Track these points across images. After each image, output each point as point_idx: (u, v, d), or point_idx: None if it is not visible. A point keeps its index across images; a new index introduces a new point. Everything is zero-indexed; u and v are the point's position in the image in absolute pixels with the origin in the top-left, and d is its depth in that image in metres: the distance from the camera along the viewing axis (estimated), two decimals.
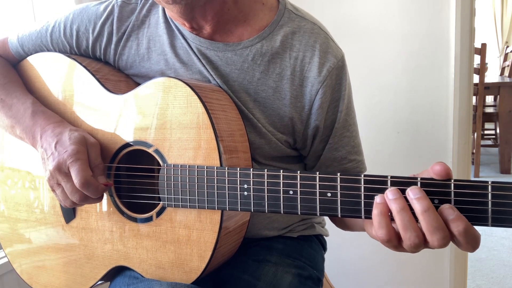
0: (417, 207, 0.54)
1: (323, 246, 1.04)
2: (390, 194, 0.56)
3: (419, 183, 0.56)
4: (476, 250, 0.55)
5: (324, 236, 1.06)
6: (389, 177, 0.58)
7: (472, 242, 0.54)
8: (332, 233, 1.08)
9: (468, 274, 1.92)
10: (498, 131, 4.28)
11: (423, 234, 0.55)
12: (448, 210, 0.54)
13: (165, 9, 0.85)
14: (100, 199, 0.77)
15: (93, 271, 0.84)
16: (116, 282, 0.82)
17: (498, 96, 4.13)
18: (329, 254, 1.09)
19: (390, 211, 0.57)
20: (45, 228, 0.89)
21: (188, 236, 0.75)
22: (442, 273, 1.75)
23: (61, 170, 0.74)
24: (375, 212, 0.58)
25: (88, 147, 0.77)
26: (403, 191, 0.56)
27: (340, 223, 0.91)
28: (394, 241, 0.57)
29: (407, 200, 0.56)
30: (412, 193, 0.55)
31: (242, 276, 0.83)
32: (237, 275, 0.84)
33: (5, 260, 1.24)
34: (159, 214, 0.77)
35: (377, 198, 0.57)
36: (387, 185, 0.58)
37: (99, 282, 0.86)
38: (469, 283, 2.06)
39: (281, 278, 0.84)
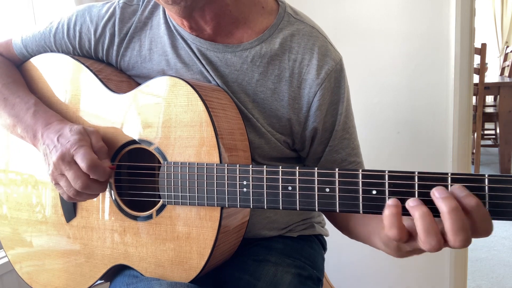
0: (443, 207, 0.53)
1: (323, 246, 1.05)
2: (412, 202, 0.56)
3: (416, 177, 0.57)
4: (489, 235, 0.54)
5: (324, 236, 1.06)
6: (386, 171, 0.58)
7: (487, 222, 0.53)
8: (332, 233, 1.08)
9: (468, 274, 1.92)
10: (498, 131, 4.28)
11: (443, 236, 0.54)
12: (460, 188, 0.54)
13: (165, 9, 0.85)
14: (104, 185, 0.77)
15: (92, 270, 0.85)
16: (116, 282, 0.82)
17: (498, 96, 4.13)
18: (329, 254, 1.09)
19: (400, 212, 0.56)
20: (45, 227, 0.89)
21: (188, 234, 0.75)
22: (442, 273, 1.75)
23: (64, 159, 0.74)
24: (386, 213, 0.56)
25: (89, 134, 0.77)
26: (410, 191, 0.57)
27: (341, 226, 0.90)
28: (406, 239, 0.56)
29: (426, 203, 0.55)
30: (438, 193, 0.54)
31: (242, 276, 0.83)
32: (237, 275, 0.84)
33: (5, 260, 1.24)
34: (159, 212, 0.77)
35: (389, 201, 0.57)
36: (385, 180, 0.58)
37: (99, 281, 0.86)
38: (469, 283, 2.06)
39: (281, 278, 0.84)
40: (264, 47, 0.82)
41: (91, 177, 0.74)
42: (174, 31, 0.85)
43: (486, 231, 0.53)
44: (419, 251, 0.59)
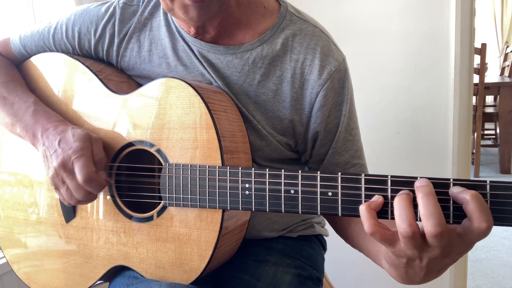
0: (418, 193, 0.54)
1: (323, 246, 1.04)
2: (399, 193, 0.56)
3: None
4: (489, 233, 0.52)
5: (324, 236, 1.06)
6: (389, 176, 0.58)
7: (486, 212, 0.52)
8: (332, 233, 1.08)
9: (468, 274, 1.92)
10: (498, 131, 4.28)
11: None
12: (456, 187, 0.55)
13: (173, 17, 0.85)
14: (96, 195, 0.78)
15: (92, 271, 0.84)
16: (115, 282, 0.82)
17: (498, 96, 4.13)
18: (329, 254, 1.09)
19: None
20: (44, 228, 0.89)
21: (189, 236, 0.75)
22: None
23: (66, 167, 0.74)
24: (361, 208, 0.57)
25: (92, 142, 0.77)
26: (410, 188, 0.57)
27: (341, 232, 0.90)
28: (418, 239, 0.54)
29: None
30: (419, 182, 0.55)
31: (242, 276, 0.83)
32: (237, 275, 0.84)
33: (5, 260, 1.24)
34: (160, 213, 0.77)
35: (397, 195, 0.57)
36: (387, 185, 0.58)
37: (98, 282, 0.86)
38: (469, 283, 2.06)
39: (281, 278, 0.84)
40: (266, 48, 0.82)
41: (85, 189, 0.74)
42: (176, 32, 0.85)
43: (487, 224, 0.52)
44: (411, 263, 0.58)
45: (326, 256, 1.04)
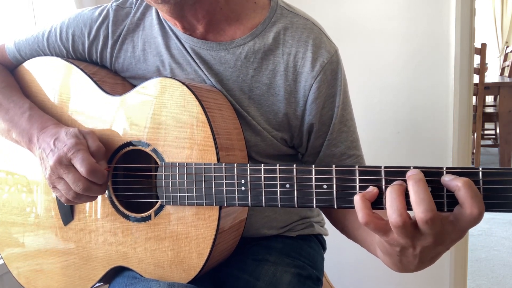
0: (409, 181, 0.55)
1: (322, 245, 1.04)
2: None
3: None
4: (481, 219, 0.53)
5: (324, 236, 1.06)
6: (382, 167, 0.58)
7: (477, 198, 0.52)
8: (332, 233, 1.08)
9: (468, 274, 1.91)
10: (498, 131, 4.28)
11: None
12: (447, 175, 0.55)
13: (158, 10, 0.85)
14: (104, 187, 0.77)
15: (91, 273, 0.84)
16: (115, 283, 0.82)
17: (498, 96, 4.13)
18: (329, 253, 1.09)
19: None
20: (42, 231, 0.89)
21: (187, 234, 0.75)
22: (442, 273, 1.75)
23: (62, 163, 0.73)
24: (355, 199, 0.58)
25: (84, 135, 0.77)
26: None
27: (336, 223, 0.90)
28: (409, 228, 0.54)
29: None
30: (410, 172, 0.56)
31: (241, 276, 0.83)
32: (236, 275, 0.84)
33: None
34: (157, 213, 0.77)
35: (389, 187, 0.57)
36: (381, 176, 0.59)
37: (98, 284, 0.86)
38: (469, 283, 2.05)
39: (280, 277, 0.84)
40: (258, 42, 0.82)
41: (90, 180, 0.74)
42: (169, 30, 0.85)
43: (478, 210, 0.52)
44: (405, 251, 0.58)
45: (326, 256, 1.04)
